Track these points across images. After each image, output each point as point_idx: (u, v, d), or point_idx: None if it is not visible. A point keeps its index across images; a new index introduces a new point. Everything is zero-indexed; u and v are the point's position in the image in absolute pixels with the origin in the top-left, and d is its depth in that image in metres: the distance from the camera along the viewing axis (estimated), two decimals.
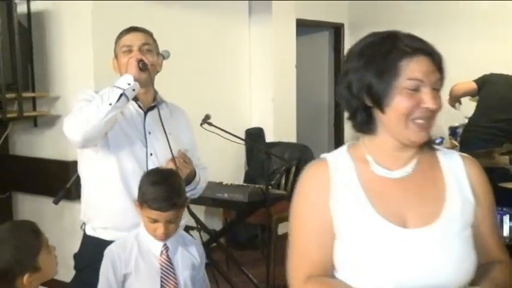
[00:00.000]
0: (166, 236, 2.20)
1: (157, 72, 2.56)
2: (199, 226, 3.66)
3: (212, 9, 5.21)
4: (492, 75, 4.67)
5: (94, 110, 2.29)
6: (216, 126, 3.50)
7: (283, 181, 5.15)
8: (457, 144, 5.33)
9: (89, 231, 2.55)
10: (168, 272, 2.22)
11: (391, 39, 1.50)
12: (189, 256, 2.30)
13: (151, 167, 2.45)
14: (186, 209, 2.63)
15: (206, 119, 3.56)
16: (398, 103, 1.43)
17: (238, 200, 4.10)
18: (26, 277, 1.88)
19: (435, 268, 1.41)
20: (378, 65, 1.45)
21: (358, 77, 1.47)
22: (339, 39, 7.15)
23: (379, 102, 1.45)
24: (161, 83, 2.61)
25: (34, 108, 4.36)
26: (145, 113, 2.52)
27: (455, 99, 4.76)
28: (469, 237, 1.47)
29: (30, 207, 4.61)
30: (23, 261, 1.89)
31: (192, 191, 2.60)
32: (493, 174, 2.77)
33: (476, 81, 4.68)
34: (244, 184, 4.49)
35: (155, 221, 2.16)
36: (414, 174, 1.50)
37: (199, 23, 5.08)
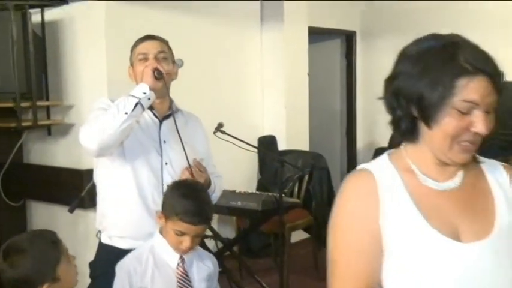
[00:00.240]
0: (190, 249, 2.18)
1: (173, 80, 2.56)
2: (212, 234, 3.65)
3: (224, 17, 5.22)
4: (508, 82, 4.63)
5: (110, 119, 2.29)
6: (229, 135, 3.49)
7: (296, 189, 5.13)
8: None
9: (104, 240, 2.55)
10: (185, 284, 2.20)
11: (452, 49, 1.35)
12: (205, 268, 2.29)
13: (166, 176, 2.46)
14: None
15: (219, 127, 3.55)
16: (447, 123, 1.32)
17: (251, 208, 4.09)
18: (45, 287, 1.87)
19: (492, 284, 1.34)
20: (433, 77, 1.32)
21: (410, 85, 1.36)
22: (351, 47, 7.14)
23: (427, 117, 1.34)
24: (173, 91, 2.61)
25: (48, 117, 4.39)
26: (161, 122, 2.53)
27: None
28: None
29: (44, 215, 4.62)
30: (42, 272, 1.88)
31: None
32: None
33: None
34: (258, 192, 4.48)
35: (183, 234, 2.14)
36: (462, 186, 1.42)
37: (211, 31, 5.09)
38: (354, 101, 7.17)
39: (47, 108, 4.37)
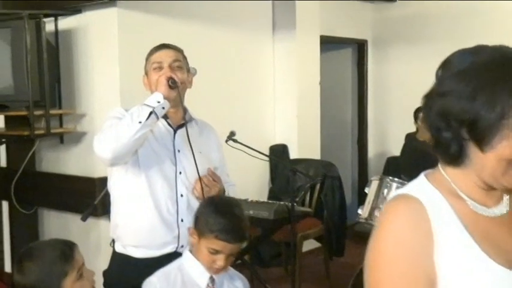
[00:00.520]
0: (223, 269, 2.12)
1: (188, 89, 2.56)
2: None
3: (236, 26, 5.24)
4: None
5: (124, 128, 2.28)
6: (240, 143, 3.49)
7: (307, 198, 5.12)
8: None
9: (118, 249, 2.55)
10: None
11: (510, 64, 1.22)
12: None
13: (180, 185, 2.46)
14: None
15: (231, 136, 3.55)
16: (504, 148, 1.20)
17: (263, 217, 4.08)
18: None
19: None
20: (489, 96, 1.19)
21: (461, 105, 1.22)
22: (363, 56, 7.13)
23: (481, 140, 1.21)
24: (186, 100, 2.61)
25: (61, 125, 4.41)
26: (175, 131, 2.52)
27: None
28: None
29: (56, 223, 4.64)
30: (47, 283, 1.87)
31: None
32: None
33: None
34: (269, 201, 4.46)
35: (217, 252, 2.07)
36: (511, 211, 1.31)
37: (223, 40, 5.10)
38: (366, 109, 7.15)
39: (60, 116, 4.40)
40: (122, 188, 2.50)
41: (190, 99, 2.65)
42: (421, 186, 1.33)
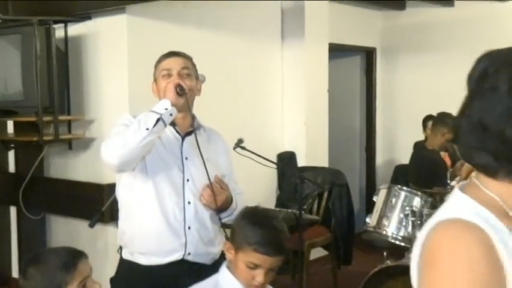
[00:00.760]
0: (263, 286, 2.01)
1: (196, 96, 2.57)
2: None
3: (245, 33, 5.25)
4: None
5: (131, 134, 2.29)
6: (248, 150, 3.49)
7: (315, 206, 5.11)
8: None
9: (126, 256, 2.55)
10: None
11: None
12: None
13: (187, 192, 2.45)
14: (223, 233, 2.64)
15: (239, 143, 3.55)
16: None
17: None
18: None
19: None
20: None
21: (504, 108, 1.11)
22: (371, 63, 7.12)
23: None
24: (194, 107, 2.61)
25: (69, 131, 4.42)
26: (183, 138, 2.52)
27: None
28: None
29: (64, 229, 4.64)
30: None
31: (229, 217, 2.58)
32: None
33: None
34: (277, 209, 4.46)
35: (256, 266, 1.96)
36: None
37: (232, 47, 5.11)
38: (374, 117, 7.14)
39: (69, 122, 4.41)
40: (130, 194, 2.50)
41: (198, 106, 2.65)
42: (468, 207, 1.14)
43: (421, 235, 1.18)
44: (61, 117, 4.19)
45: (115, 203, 2.62)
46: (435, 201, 4.21)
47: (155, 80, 2.55)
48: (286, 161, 5.58)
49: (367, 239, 4.52)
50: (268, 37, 5.56)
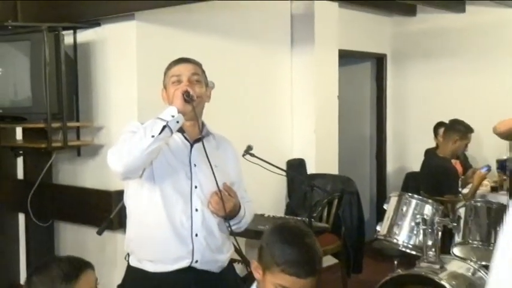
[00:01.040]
0: None
1: (206, 103, 2.56)
2: (240, 258, 3.64)
3: (255, 39, 5.26)
4: None
5: (136, 141, 2.28)
6: (258, 157, 3.49)
7: (325, 213, 5.09)
8: (505, 178, 5.21)
9: (133, 263, 2.54)
10: None
11: None
12: None
13: (195, 199, 2.45)
14: (231, 241, 2.63)
15: (248, 150, 3.55)
16: None
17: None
18: None
19: None
20: None
21: None
22: (382, 70, 7.11)
23: None
24: (203, 114, 2.61)
25: (78, 138, 4.44)
26: (192, 145, 2.52)
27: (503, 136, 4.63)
28: None
29: (72, 236, 4.66)
30: None
31: (237, 225, 2.58)
32: None
33: None
34: (287, 216, 4.46)
35: None
36: None
37: (241, 54, 5.12)
38: (384, 124, 7.13)
39: (77, 129, 4.43)
40: (137, 201, 2.50)
41: (208, 113, 2.65)
42: None
43: None
44: (70, 124, 4.21)
45: (123, 210, 2.62)
46: (446, 209, 4.20)
47: (165, 87, 2.55)
48: (295, 168, 5.58)
49: (378, 247, 4.51)
50: (277, 43, 5.57)
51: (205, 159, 2.41)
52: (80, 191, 4.48)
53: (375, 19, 6.82)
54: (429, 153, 5.66)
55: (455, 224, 3.53)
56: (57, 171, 4.71)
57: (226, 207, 2.45)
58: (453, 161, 5.15)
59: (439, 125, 5.93)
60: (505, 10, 6.11)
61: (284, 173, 4.52)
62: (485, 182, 5.22)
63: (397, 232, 3.56)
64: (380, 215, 4.66)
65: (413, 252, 3.54)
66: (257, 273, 1.94)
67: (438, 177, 4.90)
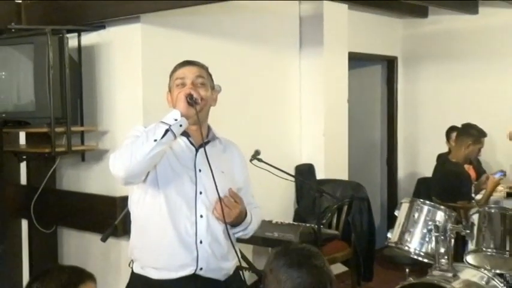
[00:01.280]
0: None
1: (212, 107, 2.56)
2: (248, 266, 3.63)
3: (262, 42, 5.26)
4: None
5: (139, 146, 2.28)
6: (265, 162, 3.48)
7: (334, 220, 5.09)
8: None
9: (137, 269, 2.54)
10: None
11: None
12: None
13: (200, 205, 2.45)
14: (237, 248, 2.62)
15: (256, 155, 3.55)
16: None
17: (288, 240, 4.06)
18: None
19: None
20: None
21: None
22: (392, 73, 7.10)
23: None
24: (210, 118, 2.61)
25: (82, 143, 4.45)
26: (197, 150, 2.51)
27: None
28: None
29: (76, 243, 4.66)
30: None
31: (243, 232, 2.58)
32: None
33: None
34: (295, 223, 4.45)
35: None
36: None
37: (248, 56, 5.12)
38: (396, 128, 7.11)
39: (81, 133, 4.44)
40: (141, 207, 2.50)
41: (214, 117, 2.65)
42: None
43: None
44: (74, 128, 4.21)
45: (128, 216, 2.62)
46: (459, 216, 4.17)
47: (170, 90, 2.55)
48: (304, 173, 5.57)
49: (389, 254, 4.49)
50: (285, 46, 5.57)
51: (212, 164, 2.40)
52: (84, 197, 4.48)
53: (386, 21, 6.82)
54: (441, 158, 5.64)
55: (469, 231, 3.50)
56: (61, 177, 4.72)
57: (232, 213, 2.44)
58: (466, 166, 5.13)
59: (452, 129, 5.90)
60: None
61: (292, 179, 4.52)
62: (499, 187, 5.19)
63: (408, 239, 3.54)
64: (391, 221, 4.65)
65: (426, 260, 3.52)
66: None
67: (451, 183, 4.88)
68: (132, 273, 2.58)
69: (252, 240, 3.97)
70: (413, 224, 3.55)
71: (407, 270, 4.40)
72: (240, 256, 2.62)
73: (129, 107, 4.27)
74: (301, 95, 5.71)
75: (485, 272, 3.51)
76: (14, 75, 4.20)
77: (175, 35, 4.46)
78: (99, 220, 4.17)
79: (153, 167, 2.38)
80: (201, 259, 2.43)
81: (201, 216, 2.45)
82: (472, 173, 5.40)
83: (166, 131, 2.28)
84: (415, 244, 3.52)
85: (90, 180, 4.51)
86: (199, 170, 2.48)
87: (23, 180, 4.78)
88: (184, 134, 2.46)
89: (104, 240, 3.10)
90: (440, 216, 3.50)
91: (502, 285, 3.45)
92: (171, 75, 2.55)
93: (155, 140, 2.26)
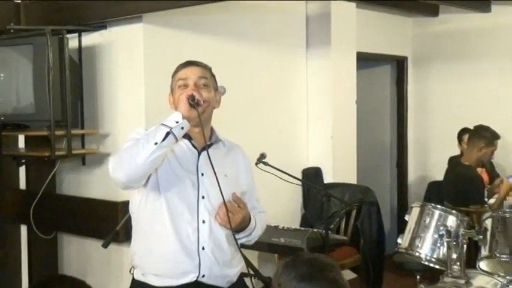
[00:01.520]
0: None
1: (215, 108, 2.56)
2: (253, 273, 3.63)
3: (267, 41, 5.26)
4: None
5: (139, 149, 2.27)
6: (271, 166, 3.48)
7: (342, 225, 5.08)
8: None
9: (138, 276, 2.54)
10: None
11: None
12: None
13: (202, 210, 2.44)
14: (240, 255, 2.62)
15: (261, 158, 3.55)
16: None
17: (295, 246, 4.06)
18: None
19: None
20: None
21: None
22: (402, 73, 7.09)
23: None
24: (213, 120, 2.62)
25: (83, 146, 4.45)
26: (199, 153, 2.51)
27: None
28: None
29: (76, 249, 4.66)
30: None
31: (247, 238, 2.58)
32: None
33: None
34: (302, 228, 4.44)
35: None
36: None
37: (253, 57, 5.12)
38: (406, 131, 7.10)
39: (82, 136, 4.44)
40: (142, 212, 2.50)
41: (218, 119, 2.65)
42: None
43: None
44: (74, 131, 4.22)
45: (130, 221, 2.62)
46: (472, 221, 4.16)
47: (172, 91, 2.55)
48: (311, 177, 5.57)
49: (399, 261, 4.48)
50: (292, 45, 5.57)
51: (215, 168, 2.40)
52: (85, 202, 4.48)
53: (395, 20, 6.81)
54: (453, 161, 5.63)
55: (482, 236, 3.49)
56: (61, 181, 4.73)
57: (235, 219, 2.44)
58: (479, 169, 5.11)
59: (464, 131, 5.89)
60: None
61: (299, 183, 4.51)
62: None
63: (419, 245, 3.53)
64: (401, 226, 4.64)
65: (437, 267, 3.51)
66: None
67: (463, 187, 4.87)
68: (133, 280, 2.58)
69: (258, 246, 3.97)
70: (424, 229, 3.53)
71: (418, 277, 4.37)
72: (246, 261, 2.62)
73: (131, 109, 4.27)
74: (308, 96, 5.70)
75: (499, 278, 3.49)
76: (13, 76, 4.22)
77: (179, 35, 4.46)
78: (101, 226, 4.18)
79: (153, 170, 2.38)
80: (203, 266, 2.43)
81: (204, 221, 2.44)
82: (485, 177, 5.38)
83: (168, 133, 2.27)
84: (426, 250, 3.51)
85: (91, 185, 4.52)
86: (202, 174, 2.48)
87: (22, 184, 4.79)
88: (186, 136, 2.46)
89: (105, 246, 3.11)
90: (452, 221, 3.48)
91: None
92: (173, 76, 2.56)
93: (156, 143, 2.25)
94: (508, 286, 3.44)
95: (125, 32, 4.28)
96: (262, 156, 3.55)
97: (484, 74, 6.43)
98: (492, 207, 4.79)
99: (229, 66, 4.60)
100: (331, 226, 4.89)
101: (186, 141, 2.50)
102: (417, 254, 3.53)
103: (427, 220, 3.55)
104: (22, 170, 4.74)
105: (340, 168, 5.70)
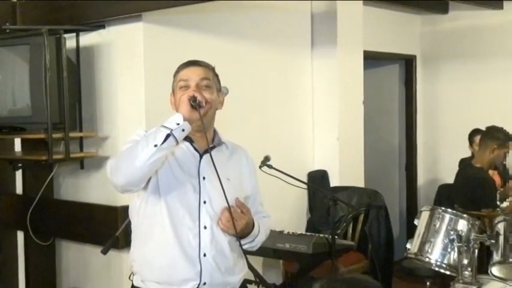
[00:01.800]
0: None
1: (218, 110, 2.56)
2: (257, 280, 3.63)
3: (271, 40, 5.26)
4: None
5: (138, 151, 2.26)
6: (276, 169, 3.49)
7: (350, 230, 5.08)
8: None
9: (137, 283, 2.54)
10: None
11: None
12: None
13: (204, 216, 2.44)
14: (244, 261, 2.62)
15: (266, 161, 3.56)
16: None
17: (301, 251, 4.06)
18: None
19: None
20: None
21: None
22: (411, 73, 7.10)
23: None
24: (216, 122, 2.62)
25: (81, 149, 4.45)
26: (201, 156, 2.51)
27: None
28: None
29: (75, 255, 4.67)
30: None
31: (250, 244, 2.57)
32: None
33: None
34: (308, 233, 4.44)
35: None
36: None
37: (257, 57, 5.12)
38: (415, 132, 7.10)
39: (80, 139, 4.45)
40: (141, 217, 2.50)
41: (221, 121, 2.65)
42: None
43: None
44: (72, 134, 4.22)
45: (129, 226, 2.62)
46: (484, 225, 4.15)
47: (173, 91, 2.55)
48: (317, 180, 5.57)
49: (408, 266, 4.48)
50: (296, 45, 5.57)
51: (215, 171, 2.39)
52: (84, 207, 4.49)
53: (403, 17, 6.81)
54: (464, 164, 5.62)
55: (494, 241, 3.48)
56: (59, 186, 4.73)
57: (238, 225, 2.43)
58: (490, 171, 5.11)
59: (475, 132, 5.89)
60: None
61: (305, 186, 4.52)
62: None
63: (429, 250, 3.53)
64: (410, 231, 4.64)
65: (448, 272, 3.51)
66: None
67: (474, 190, 4.86)
68: (132, 286, 2.58)
69: (263, 252, 3.97)
70: (434, 234, 3.53)
71: (428, 283, 4.38)
72: (250, 268, 2.62)
73: (131, 111, 4.28)
74: (313, 97, 5.70)
75: None
76: (8, 78, 4.22)
77: (180, 35, 4.47)
78: (100, 231, 4.18)
79: (153, 173, 2.38)
80: (205, 273, 2.43)
81: (205, 227, 2.44)
82: (497, 179, 5.38)
83: (168, 135, 2.26)
84: (436, 255, 3.51)
85: (89, 189, 4.52)
86: (203, 178, 2.47)
87: (19, 189, 4.80)
88: (188, 139, 2.46)
89: (104, 252, 3.11)
90: (463, 225, 3.48)
91: None
92: (174, 76, 2.55)
93: (155, 145, 2.24)
94: None
95: (124, 31, 4.29)
96: (267, 159, 3.55)
97: (495, 73, 6.43)
98: (505, 211, 4.78)
99: (231, 66, 4.60)
100: (338, 231, 4.89)
101: (187, 143, 2.50)
102: (427, 259, 3.53)
103: (437, 224, 3.55)
104: (19, 174, 4.75)
105: (347, 171, 5.70)
